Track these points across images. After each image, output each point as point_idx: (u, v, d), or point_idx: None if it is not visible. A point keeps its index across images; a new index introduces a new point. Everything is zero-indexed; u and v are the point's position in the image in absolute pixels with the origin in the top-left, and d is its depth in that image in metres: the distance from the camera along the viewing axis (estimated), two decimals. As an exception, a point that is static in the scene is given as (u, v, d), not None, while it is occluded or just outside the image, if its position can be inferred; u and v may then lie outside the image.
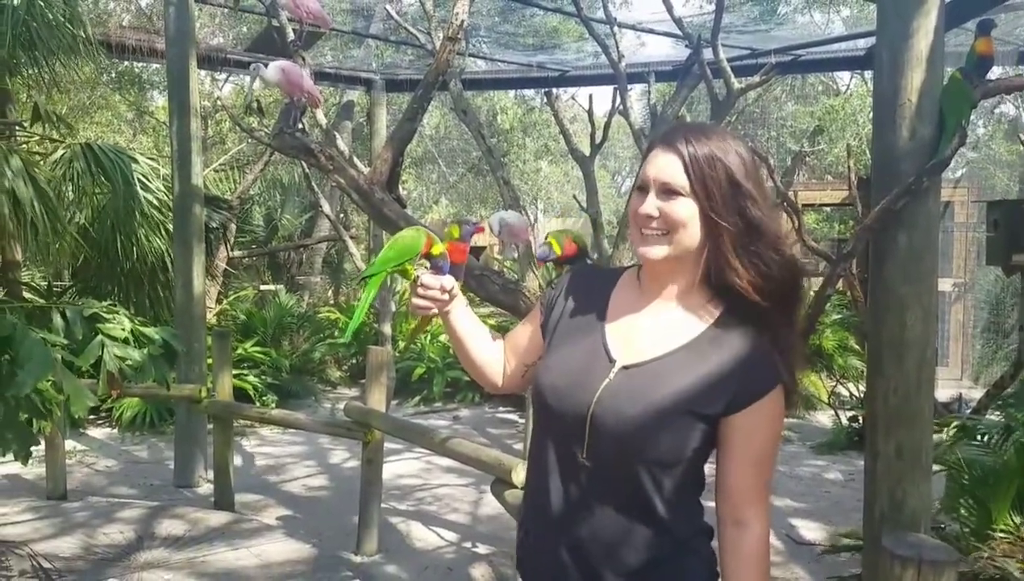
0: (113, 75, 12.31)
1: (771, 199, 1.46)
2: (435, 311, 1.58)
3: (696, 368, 1.39)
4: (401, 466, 6.69)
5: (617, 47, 5.14)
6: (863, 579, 2.81)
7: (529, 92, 15.74)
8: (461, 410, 9.37)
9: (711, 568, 1.46)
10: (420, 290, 1.55)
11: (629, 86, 5.18)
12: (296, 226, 13.34)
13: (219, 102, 12.62)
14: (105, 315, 3.18)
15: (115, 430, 7.90)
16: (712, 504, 1.46)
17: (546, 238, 2.76)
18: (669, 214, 1.38)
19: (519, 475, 3.11)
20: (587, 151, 5.11)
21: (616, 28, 5.55)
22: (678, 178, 1.37)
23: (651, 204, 1.39)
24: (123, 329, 3.16)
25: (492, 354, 1.67)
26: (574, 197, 5.99)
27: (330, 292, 14.27)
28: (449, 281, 1.56)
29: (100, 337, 3.11)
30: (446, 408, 9.45)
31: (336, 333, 10.92)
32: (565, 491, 1.44)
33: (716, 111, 4.79)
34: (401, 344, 10.26)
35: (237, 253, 10.71)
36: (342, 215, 13.20)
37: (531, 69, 8.43)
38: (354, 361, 10.94)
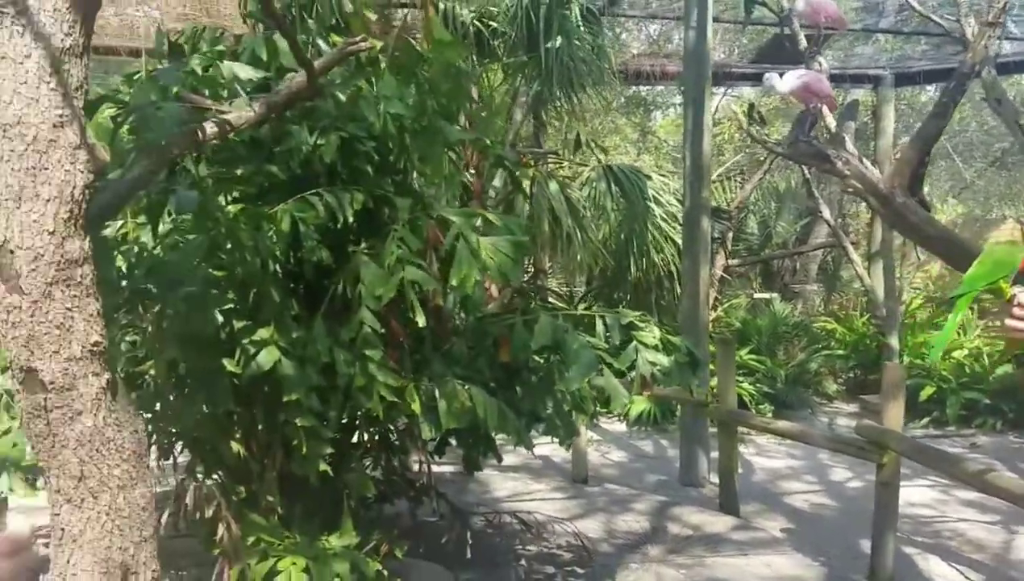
0: (622, 100, 13.49)
1: None
2: None
3: None
4: (911, 493, 6.13)
5: None
6: None
7: (1073, 69, 13.22)
8: (979, 437, 8.26)
9: None
10: (1017, 310, 1.40)
11: None
12: (791, 233, 13.13)
13: (716, 116, 13.04)
14: (639, 324, 3.51)
15: (623, 425, 8.63)
16: None
17: None
18: None
19: (1094, 528, 2.63)
20: None
21: None
22: None
23: None
24: (654, 337, 3.45)
25: None
26: None
27: (819, 300, 13.75)
28: None
29: (634, 343, 3.44)
30: (960, 433, 8.41)
31: (832, 344, 10.48)
32: None
33: None
34: (906, 358, 9.43)
35: (732, 261, 10.94)
36: (840, 220, 12.63)
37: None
38: (852, 374, 10.37)
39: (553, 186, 6.77)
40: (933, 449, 4.63)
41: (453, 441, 3.85)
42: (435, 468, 4.66)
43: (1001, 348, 8.66)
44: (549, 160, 8.45)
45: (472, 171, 3.90)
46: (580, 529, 5.04)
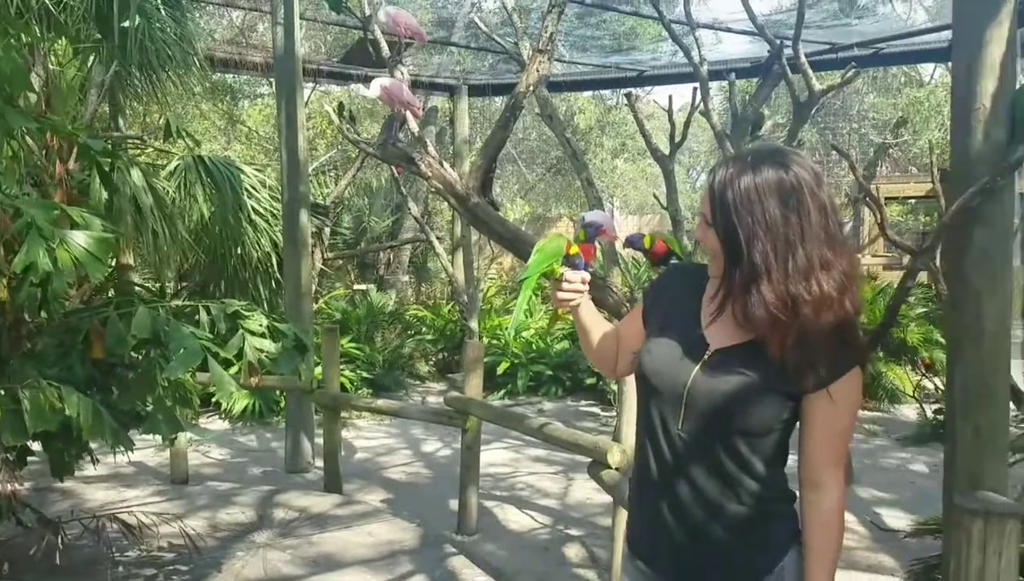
0: (207, 85, 12.93)
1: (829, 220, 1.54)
2: (577, 302, 1.85)
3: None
4: (492, 455, 7.02)
5: (699, 50, 5.31)
6: (943, 559, 2.96)
7: (607, 92, 15.93)
8: (544, 403, 9.68)
9: (793, 527, 1.66)
10: (565, 285, 1.84)
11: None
12: (383, 228, 13.85)
13: (307, 109, 13.19)
14: (245, 312, 3.58)
15: (225, 422, 8.46)
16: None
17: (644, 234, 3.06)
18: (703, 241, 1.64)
19: (615, 457, 3.39)
20: (666, 150, 5.28)
21: (695, 30, 5.71)
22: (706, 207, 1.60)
23: (698, 229, 1.66)
24: (260, 324, 3.56)
25: (609, 343, 1.92)
26: (654, 196, 6.18)
27: (411, 290, 14.75)
28: (587, 275, 1.85)
29: (241, 331, 3.51)
30: (529, 401, 9.77)
31: (423, 330, 11.38)
32: (663, 458, 1.67)
33: (798, 112, 4.93)
34: (485, 338, 10.62)
35: (330, 255, 11.27)
36: (426, 217, 13.66)
37: (609, 70, 8.66)
38: (440, 356, 11.39)
39: (136, 174, 6.39)
40: (509, 411, 5.43)
41: (37, 447, 3.53)
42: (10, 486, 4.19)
43: (551, 317, 10.20)
44: (130, 146, 7.89)
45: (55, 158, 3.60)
46: (182, 529, 4.91)
